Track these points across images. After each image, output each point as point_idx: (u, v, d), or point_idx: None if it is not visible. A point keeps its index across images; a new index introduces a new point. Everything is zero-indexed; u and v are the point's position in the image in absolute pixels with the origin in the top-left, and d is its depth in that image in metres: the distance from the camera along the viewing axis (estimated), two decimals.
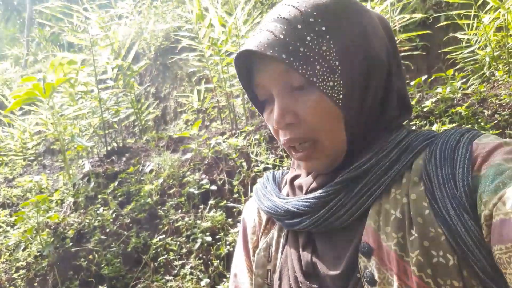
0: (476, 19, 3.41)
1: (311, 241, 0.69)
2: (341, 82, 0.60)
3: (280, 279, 0.71)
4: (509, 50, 3.22)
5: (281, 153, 2.98)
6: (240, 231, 0.87)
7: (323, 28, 0.60)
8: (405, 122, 0.71)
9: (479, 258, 0.52)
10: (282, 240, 0.74)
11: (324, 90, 0.60)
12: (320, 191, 0.65)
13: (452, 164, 0.58)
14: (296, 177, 0.76)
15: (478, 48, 3.43)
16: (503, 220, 0.47)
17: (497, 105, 2.63)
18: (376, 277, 0.58)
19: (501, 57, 3.35)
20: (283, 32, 0.60)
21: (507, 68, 3.17)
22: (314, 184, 0.69)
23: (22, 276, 2.92)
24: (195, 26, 3.85)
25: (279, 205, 0.71)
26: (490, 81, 3.28)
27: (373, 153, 0.63)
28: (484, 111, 2.56)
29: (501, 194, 0.49)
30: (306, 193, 0.70)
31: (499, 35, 3.26)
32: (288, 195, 0.75)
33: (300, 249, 0.69)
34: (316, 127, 0.63)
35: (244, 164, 2.96)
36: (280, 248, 0.74)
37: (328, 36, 0.60)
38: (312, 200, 0.65)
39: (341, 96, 0.61)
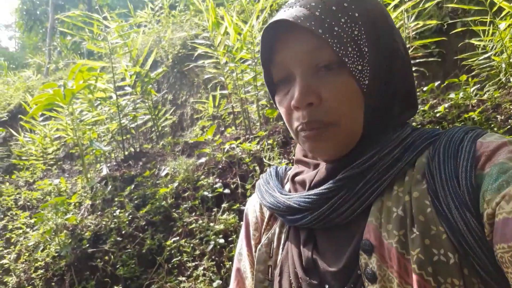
0: (491, 25, 3.40)
1: (312, 237, 0.69)
2: (369, 68, 0.61)
3: (281, 274, 0.71)
4: None
5: (293, 157, 3.01)
6: (242, 226, 0.86)
7: (356, 14, 0.61)
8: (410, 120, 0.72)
9: (481, 256, 0.51)
10: (283, 236, 0.74)
11: (353, 73, 0.60)
12: (322, 187, 0.65)
13: (455, 162, 0.58)
14: (299, 173, 0.75)
15: (494, 55, 3.41)
16: (506, 219, 0.47)
17: (511, 111, 2.62)
18: (376, 274, 0.58)
19: None
20: (319, 10, 0.60)
21: None
22: (316, 181, 0.69)
23: (40, 276, 3.00)
24: (210, 34, 3.93)
25: (281, 201, 0.71)
26: (506, 87, 3.26)
27: (376, 151, 0.63)
28: (498, 116, 2.55)
29: (504, 192, 0.49)
30: (308, 189, 0.69)
31: None
32: (290, 191, 0.75)
33: (301, 245, 0.69)
34: (339, 110, 0.62)
35: (257, 168, 3.00)
36: (281, 244, 0.74)
37: (360, 22, 0.61)
38: (314, 197, 0.65)
39: (366, 82, 0.61)
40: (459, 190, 0.55)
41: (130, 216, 3.12)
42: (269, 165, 3.02)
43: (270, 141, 3.15)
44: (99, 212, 3.26)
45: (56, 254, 3.03)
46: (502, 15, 3.30)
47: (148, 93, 4.51)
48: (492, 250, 0.51)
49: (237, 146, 3.30)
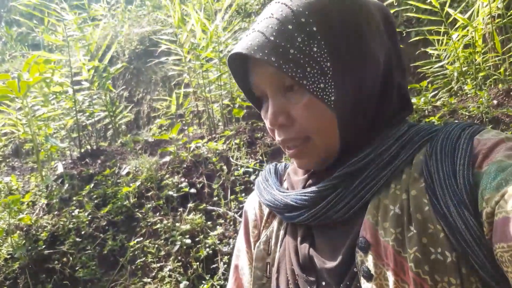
0: (446, 35, 3.58)
1: (310, 234, 0.69)
2: (333, 83, 0.59)
3: (278, 271, 0.71)
4: (476, 66, 3.39)
5: (260, 157, 3.02)
6: (241, 224, 0.87)
7: (314, 29, 0.59)
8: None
9: (479, 255, 0.51)
10: (281, 233, 0.74)
11: (315, 93, 0.59)
12: (318, 185, 0.65)
13: (452, 160, 0.58)
14: (297, 171, 0.76)
15: (447, 63, 3.59)
16: (505, 218, 0.47)
17: (467, 117, 2.77)
18: (372, 272, 0.57)
19: (468, 73, 3.52)
20: (274, 34, 0.59)
21: (474, 83, 3.33)
22: (313, 178, 0.70)
23: None
24: (175, 31, 3.87)
25: (278, 199, 0.71)
26: (458, 94, 3.44)
27: (372, 148, 0.63)
28: (456, 121, 2.69)
29: (503, 191, 0.48)
30: (305, 187, 0.70)
31: (467, 51, 3.42)
32: (288, 188, 0.76)
33: (298, 242, 0.69)
34: (308, 128, 0.63)
35: (224, 167, 2.98)
36: (279, 241, 0.74)
37: (319, 37, 0.59)
38: (311, 194, 0.65)
39: (332, 98, 0.60)
40: (457, 189, 0.55)
41: (90, 216, 3.00)
42: (236, 165, 3.01)
43: (237, 141, 3.14)
44: (56, 212, 3.10)
45: (9, 256, 2.86)
46: (456, 26, 3.48)
47: (106, 88, 4.36)
48: (490, 249, 0.50)
49: (203, 145, 3.26)
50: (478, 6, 3.23)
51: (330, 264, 0.63)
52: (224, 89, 3.96)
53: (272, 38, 0.59)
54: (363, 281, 0.58)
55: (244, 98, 4.34)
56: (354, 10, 0.62)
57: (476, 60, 3.34)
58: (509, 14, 3.03)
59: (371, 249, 0.59)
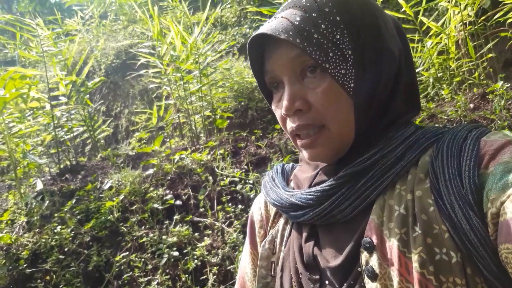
0: (420, 43, 3.69)
1: (315, 233, 0.70)
2: (353, 70, 0.61)
3: (282, 270, 0.72)
4: (451, 72, 3.50)
5: (245, 167, 3.02)
6: (248, 224, 0.88)
7: (338, 18, 0.61)
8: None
9: (483, 255, 0.51)
10: (286, 233, 0.75)
11: (336, 77, 0.61)
12: (323, 184, 0.66)
13: (458, 161, 0.58)
14: (303, 171, 0.77)
15: (423, 70, 3.69)
16: (511, 219, 0.47)
17: (446, 120, 2.85)
18: (377, 272, 0.58)
19: (444, 78, 3.63)
20: (298, 19, 0.62)
21: (450, 88, 3.43)
22: (318, 178, 0.71)
23: None
24: (154, 43, 3.86)
25: (284, 198, 0.71)
26: (435, 99, 3.54)
27: (378, 149, 0.64)
28: (436, 125, 2.76)
29: (509, 192, 0.49)
30: (311, 186, 0.71)
31: (441, 58, 3.52)
32: (294, 188, 0.76)
33: (303, 241, 0.70)
34: (326, 114, 0.63)
35: (210, 178, 2.97)
36: (284, 241, 0.75)
37: (342, 26, 0.61)
38: (316, 194, 0.66)
39: (352, 85, 0.61)
40: (462, 189, 0.55)
41: (73, 232, 2.93)
42: (221, 175, 3.00)
43: (221, 151, 3.14)
44: (37, 229, 3.02)
45: None
46: (430, 33, 3.59)
47: (84, 103, 4.31)
48: (495, 250, 0.51)
49: (187, 157, 3.24)
50: (450, 14, 3.34)
51: (334, 263, 0.63)
52: (205, 100, 3.97)
53: (297, 23, 0.61)
54: (367, 281, 0.58)
55: (225, 109, 4.36)
56: (373, 9, 0.65)
57: (450, 66, 3.45)
58: (479, 21, 3.14)
59: (376, 249, 0.59)
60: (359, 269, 0.60)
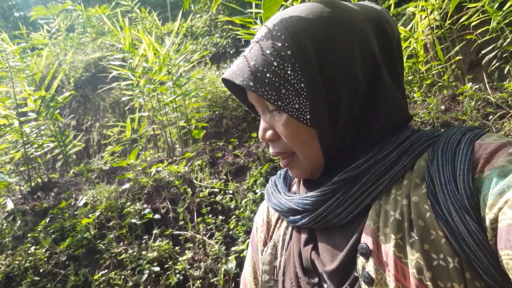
0: None
1: (313, 237, 0.71)
2: (307, 103, 0.62)
3: (284, 275, 0.73)
4: (420, 75, 3.59)
5: (224, 177, 3.00)
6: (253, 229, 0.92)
7: (289, 53, 0.61)
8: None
9: (482, 260, 0.51)
10: (287, 238, 0.77)
11: (290, 113, 0.62)
12: (319, 189, 0.67)
13: (453, 165, 0.58)
14: None
15: None
16: (510, 225, 0.47)
17: (419, 123, 2.90)
18: (373, 277, 0.58)
19: (414, 81, 3.71)
20: (255, 59, 0.64)
21: (420, 90, 3.51)
22: (316, 183, 0.73)
23: None
24: (125, 55, 3.80)
25: (283, 202, 0.74)
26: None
27: (372, 154, 0.64)
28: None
29: (506, 197, 0.48)
30: (309, 191, 0.72)
31: (411, 61, 3.60)
32: (296, 192, 0.79)
33: (302, 245, 0.71)
34: (291, 144, 0.67)
35: (189, 190, 2.93)
36: (285, 245, 0.76)
37: (293, 60, 0.61)
38: (311, 198, 0.67)
39: (308, 117, 0.62)
40: (458, 194, 0.55)
41: (48, 252, 2.83)
42: (200, 186, 2.97)
43: (199, 162, 3.11)
44: (10, 251, 2.90)
45: None
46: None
47: (54, 118, 4.20)
48: (494, 254, 0.51)
49: (164, 169, 3.19)
50: (418, 19, 3.43)
51: (330, 267, 0.64)
52: (179, 111, 3.93)
53: (253, 63, 0.64)
54: (364, 286, 0.59)
55: (200, 119, 4.33)
56: (330, 31, 0.62)
57: (420, 69, 3.53)
58: (446, 24, 3.23)
59: (372, 254, 0.59)
60: (355, 274, 0.61)
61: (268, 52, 0.63)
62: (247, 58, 0.65)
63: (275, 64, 0.62)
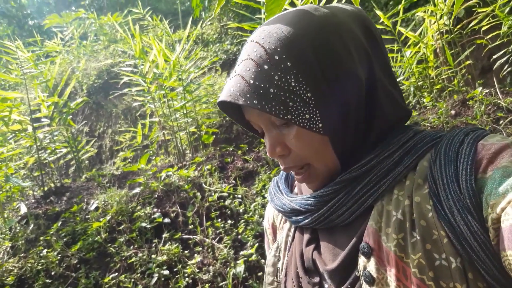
0: (399, 53, 3.77)
1: (316, 237, 0.71)
2: (317, 112, 0.60)
3: (286, 275, 0.73)
4: (430, 80, 3.57)
5: (233, 181, 3.02)
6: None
7: (289, 64, 0.59)
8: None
9: (484, 260, 0.51)
10: (289, 239, 0.77)
11: (301, 125, 0.60)
12: (322, 190, 0.67)
13: (455, 165, 0.57)
14: None
15: (403, 79, 3.75)
16: None
17: (429, 127, 2.90)
18: (374, 277, 0.58)
19: (424, 87, 3.70)
20: (252, 76, 0.61)
21: (430, 95, 3.50)
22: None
23: None
24: (138, 62, 3.86)
25: (286, 203, 0.74)
26: (416, 108, 3.60)
27: (374, 155, 0.64)
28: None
29: (509, 198, 0.48)
30: (310, 191, 0.72)
31: (421, 67, 3.59)
32: (298, 193, 0.79)
33: (304, 246, 0.71)
34: (305, 155, 0.65)
35: (198, 194, 2.95)
36: (288, 246, 0.77)
37: (295, 71, 0.59)
38: (314, 199, 0.67)
39: (320, 125, 0.61)
40: (460, 194, 0.55)
41: (60, 255, 2.87)
42: (209, 190, 2.99)
43: (208, 167, 3.13)
44: (22, 254, 2.95)
45: None
46: (408, 43, 3.67)
47: (67, 124, 4.27)
48: (497, 254, 0.50)
49: (174, 174, 3.22)
50: (427, 24, 3.42)
51: (331, 266, 0.64)
52: (189, 116, 3.96)
53: (252, 81, 0.60)
54: (365, 285, 0.59)
55: (210, 124, 4.36)
56: (326, 35, 0.61)
57: (430, 74, 3.52)
58: (455, 29, 3.23)
59: (374, 254, 0.59)
60: (357, 273, 0.61)
61: (266, 67, 0.60)
62: (244, 77, 0.62)
63: (277, 78, 0.59)
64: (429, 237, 0.55)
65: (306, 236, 0.72)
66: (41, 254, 2.88)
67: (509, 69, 2.93)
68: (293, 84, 0.59)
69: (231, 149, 3.79)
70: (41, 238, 3.04)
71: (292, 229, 0.77)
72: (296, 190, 0.81)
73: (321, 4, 0.70)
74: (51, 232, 3.05)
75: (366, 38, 0.66)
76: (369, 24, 0.68)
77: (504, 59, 2.86)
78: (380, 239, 0.60)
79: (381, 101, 0.65)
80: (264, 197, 2.81)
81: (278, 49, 0.60)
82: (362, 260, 0.60)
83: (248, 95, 0.60)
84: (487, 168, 0.54)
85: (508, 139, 0.57)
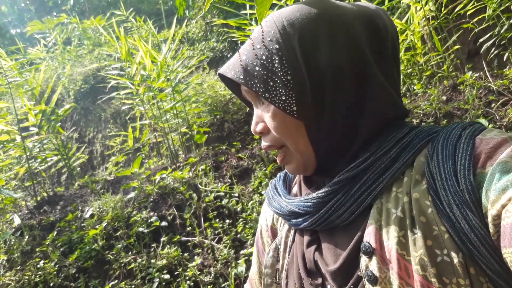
0: None
1: (316, 239, 0.70)
2: (293, 95, 0.63)
3: (287, 277, 0.73)
4: (419, 67, 3.57)
5: (229, 180, 2.99)
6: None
7: (277, 46, 0.63)
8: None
9: (485, 255, 0.51)
10: (289, 240, 0.76)
11: (277, 105, 0.64)
12: (320, 191, 0.67)
13: (453, 160, 0.57)
14: (305, 177, 0.78)
15: None
16: None
17: (421, 115, 2.89)
18: (377, 276, 0.58)
19: (413, 74, 3.70)
20: (245, 53, 0.67)
21: (420, 82, 3.50)
22: (315, 184, 0.73)
23: None
24: (123, 65, 3.81)
25: (284, 206, 0.73)
26: (407, 95, 3.60)
27: (370, 153, 0.63)
28: (413, 120, 2.80)
29: (510, 194, 0.48)
30: (309, 193, 0.72)
31: (409, 54, 3.59)
32: (296, 194, 0.78)
33: (305, 247, 0.71)
34: (280, 136, 0.68)
35: (194, 195, 2.92)
36: (288, 248, 0.76)
37: (280, 53, 0.63)
38: (312, 201, 0.67)
39: (294, 108, 0.63)
40: (459, 189, 0.54)
41: (57, 265, 2.83)
42: (205, 191, 2.96)
43: (202, 167, 3.10)
44: (19, 267, 2.90)
45: None
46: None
47: (56, 131, 4.20)
48: (496, 249, 0.50)
49: (168, 176, 3.19)
50: (413, 11, 3.42)
51: (333, 267, 0.64)
52: (180, 117, 3.93)
53: (244, 58, 0.66)
54: (367, 285, 0.58)
55: (201, 124, 4.32)
56: (316, 26, 0.63)
57: (418, 61, 3.52)
58: (441, 15, 3.22)
59: (375, 253, 0.59)
60: (359, 273, 0.60)
61: (258, 46, 0.65)
62: (239, 53, 0.68)
63: (264, 58, 0.64)
64: (430, 233, 0.55)
65: (306, 237, 0.72)
66: (38, 266, 2.83)
67: (496, 51, 2.94)
68: (276, 65, 0.63)
69: (224, 147, 3.77)
70: (37, 249, 2.99)
71: (292, 230, 0.77)
72: (294, 191, 0.81)
73: None
74: (47, 243, 3.01)
75: (369, 35, 0.65)
76: (378, 22, 0.66)
77: (491, 42, 2.86)
78: (381, 238, 0.59)
79: (372, 97, 0.64)
80: (261, 194, 2.79)
81: (272, 32, 0.64)
82: (364, 259, 0.60)
83: (237, 70, 0.66)
84: (486, 163, 0.54)
85: (506, 134, 0.57)
